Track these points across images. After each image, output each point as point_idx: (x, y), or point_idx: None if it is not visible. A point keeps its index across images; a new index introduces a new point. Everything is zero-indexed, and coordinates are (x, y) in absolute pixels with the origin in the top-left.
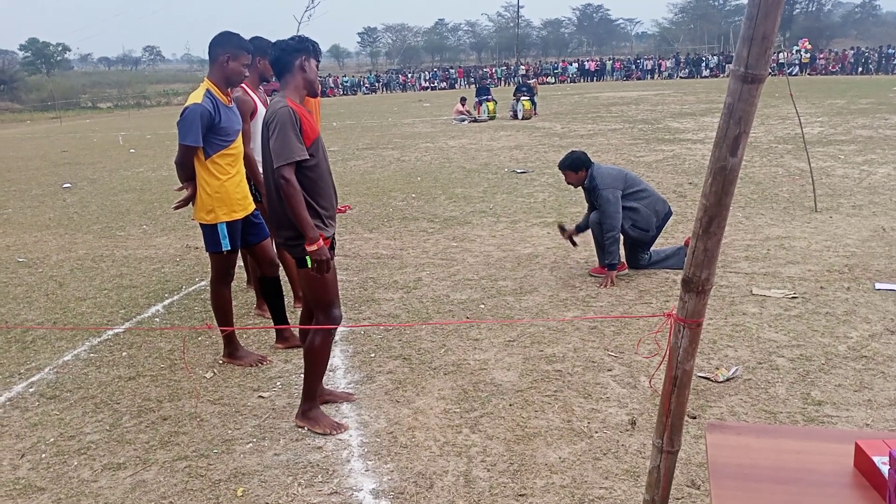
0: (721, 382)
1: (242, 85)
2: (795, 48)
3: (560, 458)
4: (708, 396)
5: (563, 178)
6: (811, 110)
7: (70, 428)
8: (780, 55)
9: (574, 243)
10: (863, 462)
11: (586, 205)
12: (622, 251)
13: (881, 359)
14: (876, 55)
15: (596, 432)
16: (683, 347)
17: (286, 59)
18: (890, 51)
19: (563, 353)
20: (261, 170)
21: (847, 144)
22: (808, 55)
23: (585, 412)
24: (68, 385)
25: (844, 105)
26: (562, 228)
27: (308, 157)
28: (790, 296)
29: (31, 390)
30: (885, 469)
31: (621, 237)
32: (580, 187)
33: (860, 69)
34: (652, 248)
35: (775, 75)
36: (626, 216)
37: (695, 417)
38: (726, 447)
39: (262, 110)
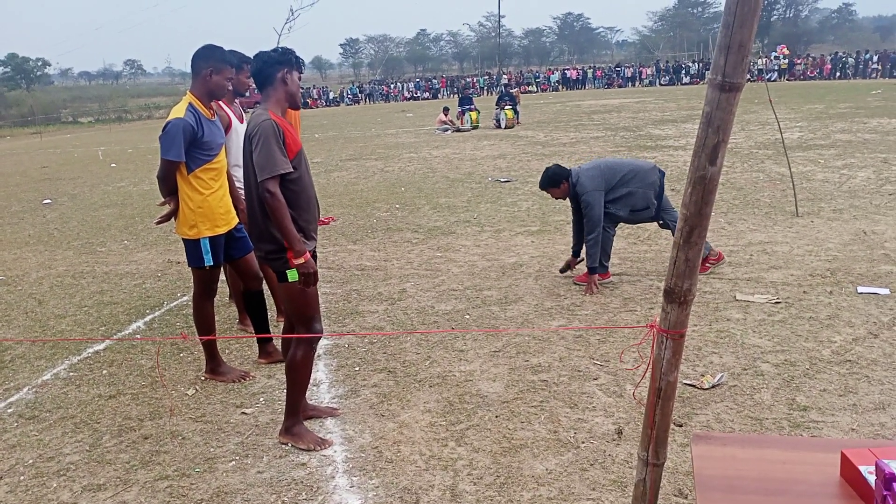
0: (706, 389)
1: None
2: (773, 54)
3: (547, 469)
4: (694, 404)
5: (550, 196)
6: (790, 115)
7: (49, 449)
8: (759, 61)
9: (573, 266)
10: (849, 471)
11: (571, 216)
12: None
13: (865, 363)
14: (853, 60)
15: (583, 442)
16: (667, 358)
17: (268, 71)
18: (867, 55)
19: (548, 362)
20: (238, 184)
21: (827, 149)
22: (787, 61)
23: (572, 422)
24: (47, 405)
25: (823, 110)
26: (566, 269)
27: (292, 170)
28: (773, 301)
29: (9, 411)
30: (871, 478)
31: (601, 239)
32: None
33: (838, 74)
34: (611, 237)
35: (754, 81)
36: (623, 205)
37: (681, 425)
38: (712, 458)
39: (236, 124)
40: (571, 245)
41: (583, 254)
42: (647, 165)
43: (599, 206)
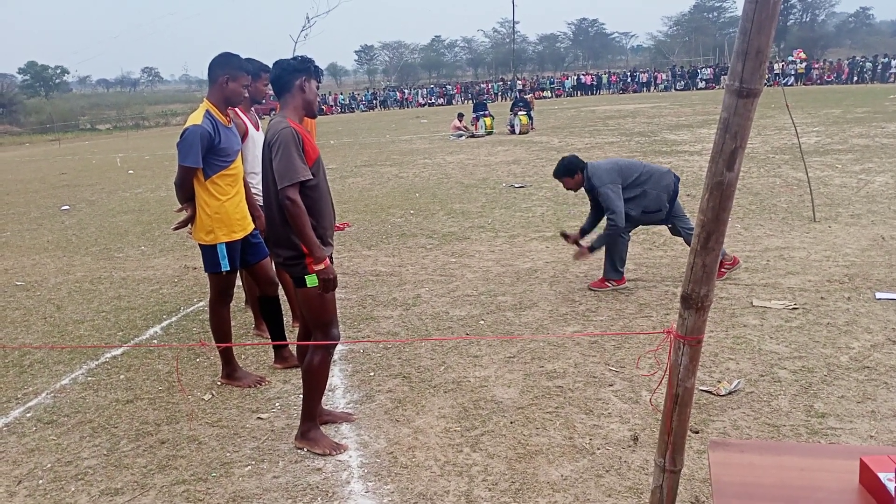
0: (723, 396)
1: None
2: (790, 58)
3: (562, 475)
4: (710, 410)
5: (562, 185)
6: (807, 120)
7: (67, 453)
8: (776, 66)
9: (580, 245)
10: (868, 479)
11: (588, 212)
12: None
13: (884, 369)
14: (871, 64)
15: (598, 449)
16: (684, 365)
17: (286, 78)
18: (885, 59)
19: (563, 368)
20: (253, 191)
21: (844, 153)
22: (804, 65)
23: (587, 428)
24: (66, 409)
25: (840, 114)
26: (564, 236)
27: (311, 178)
28: (791, 307)
29: (28, 415)
30: (890, 486)
31: (618, 229)
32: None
33: (855, 78)
34: (626, 242)
35: (771, 86)
36: (635, 204)
37: (697, 432)
38: (729, 465)
39: (252, 132)
40: (581, 226)
41: (585, 242)
42: (663, 169)
43: (619, 199)
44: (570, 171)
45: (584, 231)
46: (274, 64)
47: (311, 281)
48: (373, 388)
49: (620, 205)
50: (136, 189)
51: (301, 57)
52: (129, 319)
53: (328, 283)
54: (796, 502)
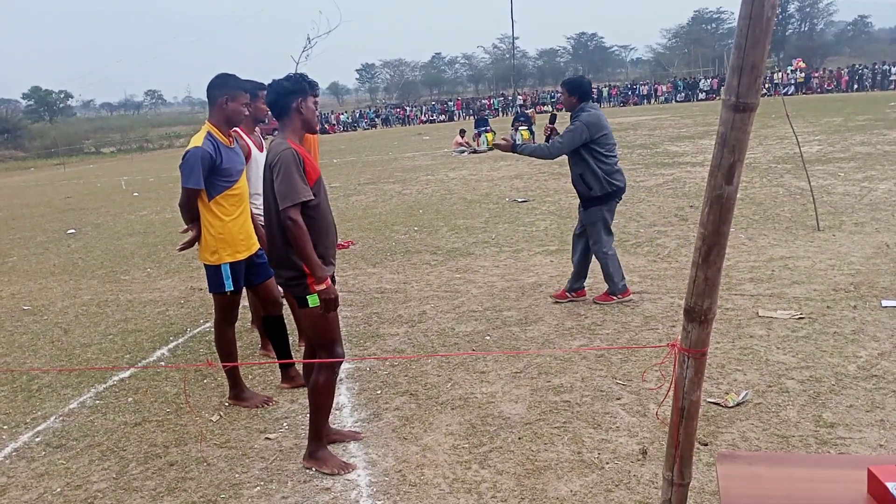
0: (731, 407)
1: (237, 129)
2: (790, 68)
3: (572, 490)
4: (719, 422)
5: (560, 95)
6: (808, 129)
7: (77, 477)
8: (775, 75)
9: (553, 131)
10: (877, 489)
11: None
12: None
13: (891, 377)
14: (870, 72)
15: (607, 463)
16: (689, 378)
17: (283, 102)
18: (885, 67)
19: (570, 383)
20: (255, 212)
21: (846, 162)
22: (803, 74)
23: (595, 443)
24: (74, 433)
25: (842, 122)
26: (553, 118)
27: (313, 198)
28: (797, 316)
29: (37, 440)
30: None
31: (544, 157)
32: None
33: (855, 86)
34: (614, 255)
35: (771, 95)
36: (583, 166)
37: (706, 444)
38: (738, 478)
39: (256, 154)
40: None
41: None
42: (621, 170)
43: (576, 144)
44: (573, 90)
45: (552, 119)
46: (269, 87)
47: (313, 301)
48: (380, 406)
49: (571, 147)
50: (141, 211)
51: (294, 76)
52: (136, 342)
53: (329, 302)
54: None
